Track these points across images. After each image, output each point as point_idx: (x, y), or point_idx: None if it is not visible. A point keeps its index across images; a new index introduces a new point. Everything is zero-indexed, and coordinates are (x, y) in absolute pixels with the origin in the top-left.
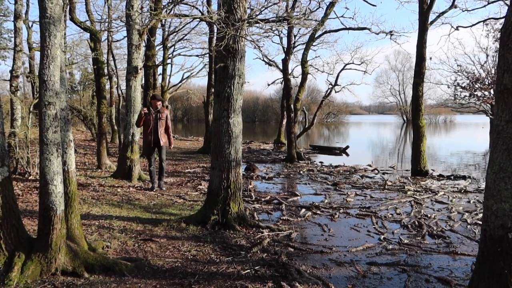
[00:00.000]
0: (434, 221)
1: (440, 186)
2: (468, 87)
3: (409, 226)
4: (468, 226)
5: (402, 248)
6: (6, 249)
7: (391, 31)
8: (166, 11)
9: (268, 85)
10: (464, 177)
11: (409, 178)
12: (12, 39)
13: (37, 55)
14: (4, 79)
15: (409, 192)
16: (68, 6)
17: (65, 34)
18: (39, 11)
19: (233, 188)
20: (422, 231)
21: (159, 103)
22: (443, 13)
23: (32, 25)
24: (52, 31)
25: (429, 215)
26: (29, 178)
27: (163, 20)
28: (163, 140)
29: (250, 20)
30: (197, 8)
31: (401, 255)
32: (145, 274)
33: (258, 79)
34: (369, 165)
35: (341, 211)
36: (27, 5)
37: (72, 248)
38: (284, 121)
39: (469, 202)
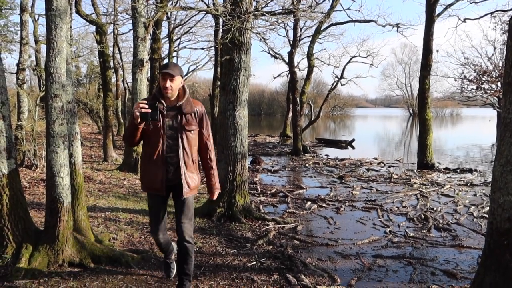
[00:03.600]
0: (440, 214)
1: (446, 179)
2: (475, 80)
3: (415, 219)
4: (474, 219)
5: (408, 241)
6: (13, 241)
7: (397, 24)
8: (172, 3)
9: (274, 78)
10: (470, 170)
11: (415, 171)
12: (19, 32)
13: (43, 48)
14: (10, 72)
15: (415, 185)
16: None
17: (71, 27)
18: (45, 4)
19: (238, 181)
20: (428, 224)
21: (178, 82)
22: (450, 5)
23: (38, 18)
24: (58, 24)
25: (435, 208)
26: (36, 170)
27: (169, 13)
28: (190, 181)
29: (256, 12)
30: (202, 1)
31: (406, 248)
32: (151, 266)
33: (264, 72)
34: (375, 158)
35: (347, 204)
36: None
37: (78, 240)
38: (290, 114)
39: (475, 195)
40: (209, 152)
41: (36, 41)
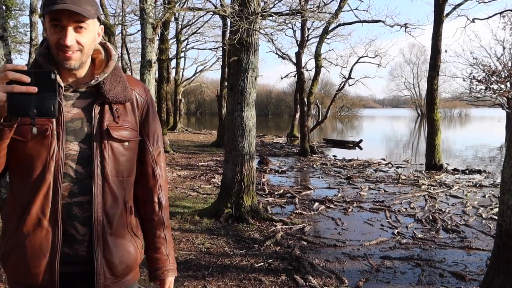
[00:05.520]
0: (449, 216)
1: (455, 180)
2: (484, 80)
3: (423, 220)
4: (483, 221)
5: (416, 242)
6: None
7: (406, 24)
8: (180, 4)
9: (281, 78)
10: (479, 171)
11: (423, 172)
12: (28, 33)
13: None
14: None
15: (423, 186)
16: None
17: None
18: None
19: (246, 182)
20: (436, 226)
21: (92, 33)
22: (459, 5)
23: None
24: None
25: (443, 210)
26: None
27: (177, 14)
28: (116, 255)
29: (264, 13)
30: (210, 1)
31: (415, 250)
32: None
33: (271, 73)
34: (383, 159)
35: (355, 205)
36: None
37: None
38: (297, 115)
39: (484, 196)
40: (158, 192)
41: None
